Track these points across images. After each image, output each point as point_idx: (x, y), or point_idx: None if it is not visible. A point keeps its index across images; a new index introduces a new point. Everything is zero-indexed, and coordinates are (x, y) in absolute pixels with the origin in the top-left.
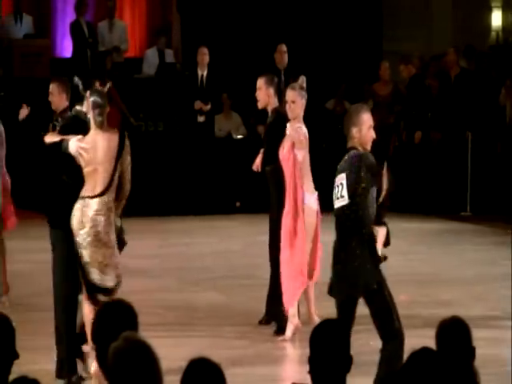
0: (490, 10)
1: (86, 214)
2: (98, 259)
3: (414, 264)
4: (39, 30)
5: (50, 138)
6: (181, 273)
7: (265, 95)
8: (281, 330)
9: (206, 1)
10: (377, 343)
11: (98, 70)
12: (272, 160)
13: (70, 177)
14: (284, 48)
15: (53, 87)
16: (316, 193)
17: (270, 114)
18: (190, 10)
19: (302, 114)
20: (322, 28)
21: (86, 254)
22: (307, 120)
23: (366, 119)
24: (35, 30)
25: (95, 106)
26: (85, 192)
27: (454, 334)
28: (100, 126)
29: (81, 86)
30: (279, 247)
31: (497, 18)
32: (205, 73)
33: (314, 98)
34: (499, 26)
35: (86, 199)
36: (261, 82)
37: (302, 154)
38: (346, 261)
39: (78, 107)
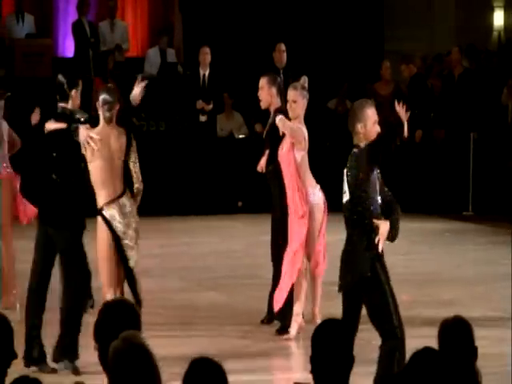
0: (492, 10)
1: (126, 212)
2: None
3: (416, 264)
4: (41, 29)
5: (51, 125)
6: (182, 272)
7: (267, 95)
8: (284, 329)
9: (208, 1)
10: (378, 342)
11: (100, 69)
12: (274, 159)
13: (60, 176)
14: (283, 47)
15: None
16: (318, 185)
17: (272, 113)
18: (191, 9)
19: (302, 113)
20: (324, 27)
21: (134, 255)
22: (309, 120)
23: (371, 114)
24: (37, 30)
25: (104, 102)
26: (111, 194)
27: (457, 333)
28: (108, 122)
29: (65, 85)
30: (281, 247)
31: (499, 18)
32: (207, 72)
33: (316, 97)
34: (501, 26)
35: (118, 201)
36: (263, 82)
37: (301, 155)
38: (348, 253)
39: (62, 104)
